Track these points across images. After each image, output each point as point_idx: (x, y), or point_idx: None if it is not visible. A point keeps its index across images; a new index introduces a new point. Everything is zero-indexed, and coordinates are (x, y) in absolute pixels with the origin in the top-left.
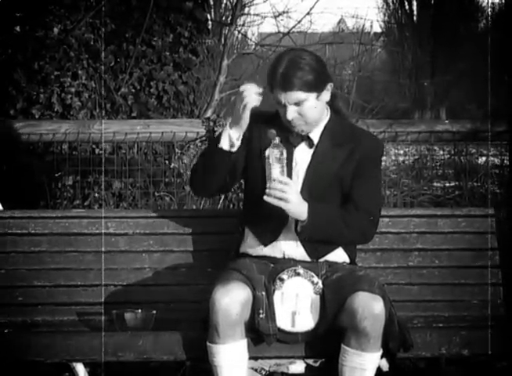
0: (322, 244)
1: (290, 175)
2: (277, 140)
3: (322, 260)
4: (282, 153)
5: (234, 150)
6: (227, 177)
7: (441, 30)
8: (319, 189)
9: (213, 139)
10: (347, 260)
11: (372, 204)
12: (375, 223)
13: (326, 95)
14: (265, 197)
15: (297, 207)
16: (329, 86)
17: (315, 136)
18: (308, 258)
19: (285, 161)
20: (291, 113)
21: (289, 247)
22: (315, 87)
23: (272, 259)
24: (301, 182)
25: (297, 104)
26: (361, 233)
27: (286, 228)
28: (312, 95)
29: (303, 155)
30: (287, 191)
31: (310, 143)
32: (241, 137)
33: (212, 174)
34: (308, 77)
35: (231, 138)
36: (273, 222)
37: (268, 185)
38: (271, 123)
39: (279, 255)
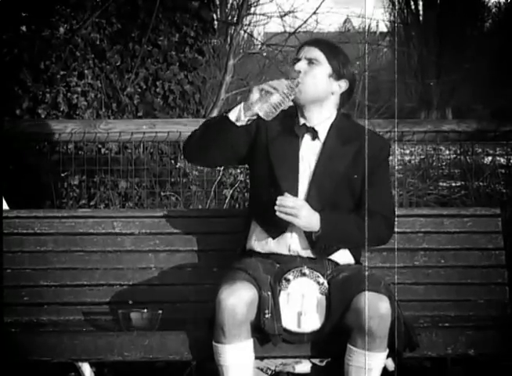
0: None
1: (296, 168)
2: (295, 75)
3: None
4: (293, 87)
5: (238, 123)
6: (223, 150)
7: (447, 30)
8: (327, 187)
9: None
10: (352, 260)
11: (386, 207)
12: (391, 226)
13: (336, 86)
14: (278, 213)
15: (308, 221)
16: (344, 82)
17: (320, 130)
18: (312, 254)
19: (291, 96)
20: (301, 65)
21: (295, 241)
22: (334, 61)
23: (277, 257)
24: (307, 178)
25: (310, 63)
26: (377, 237)
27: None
28: (326, 67)
29: (309, 150)
30: (296, 207)
31: (313, 135)
32: (250, 118)
33: (209, 141)
34: (334, 50)
35: (240, 112)
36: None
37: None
38: (283, 116)
39: (284, 250)
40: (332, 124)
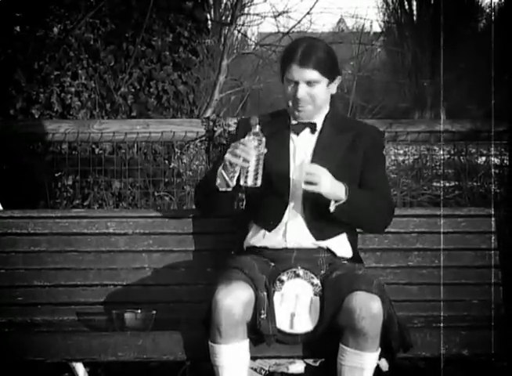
0: (327, 226)
1: (287, 165)
2: (257, 128)
3: (324, 247)
4: (260, 142)
5: (230, 189)
6: (230, 201)
7: (440, 30)
8: None
9: (213, 171)
10: (350, 253)
11: (389, 194)
12: (393, 211)
13: (334, 87)
14: (304, 186)
15: (332, 188)
16: (338, 79)
17: (318, 121)
18: (310, 243)
19: (263, 151)
20: (302, 91)
21: (291, 233)
22: (329, 72)
23: (273, 252)
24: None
25: (309, 84)
26: (385, 219)
27: (289, 213)
28: (325, 81)
29: (306, 142)
30: (317, 175)
31: (313, 129)
32: (235, 177)
33: (215, 206)
34: (325, 60)
35: (225, 178)
36: (275, 208)
37: (241, 177)
38: (269, 120)
39: (281, 241)
40: (326, 117)
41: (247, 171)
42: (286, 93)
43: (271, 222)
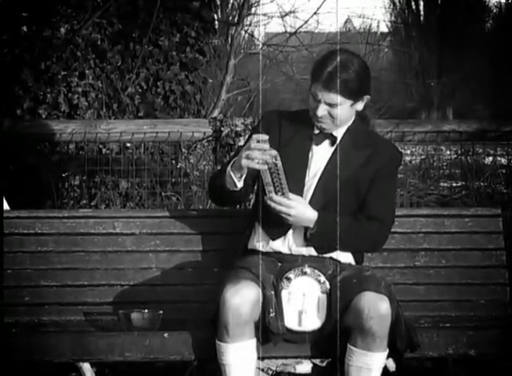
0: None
1: (303, 176)
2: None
3: (327, 256)
4: (276, 163)
5: (237, 189)
6: (242, 195)
7: (447, 31)
8: (332, 189)
9: (222, 171)
10: (353, 262)
11: (385, 215)
12: (386, 234)
13: (360, 105)
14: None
15: (301, 218)
16: (366, 98)
17: (338, 135)
18: (314, 253)
19: (279, 164)
20: (322, 110)
21: (295, 241)
22: (354, 96)
23: (279, 256)
24: (316, 180)
25: (331, 105)
26: (370, 243)
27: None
28: (348, 102)
29: (324, 154)
30: (287, 211)
31: (332, 141)
32: (243, 177)
33: (225, 200)
34: (351, 85)
35: (233, 178)
36: (282, 218)
37: (266, 191)
38: (292, 121)
39: (286, 250)
40: (348, 128)
41: (271, 187)
42: (309, 103)
43: (276, 231)
